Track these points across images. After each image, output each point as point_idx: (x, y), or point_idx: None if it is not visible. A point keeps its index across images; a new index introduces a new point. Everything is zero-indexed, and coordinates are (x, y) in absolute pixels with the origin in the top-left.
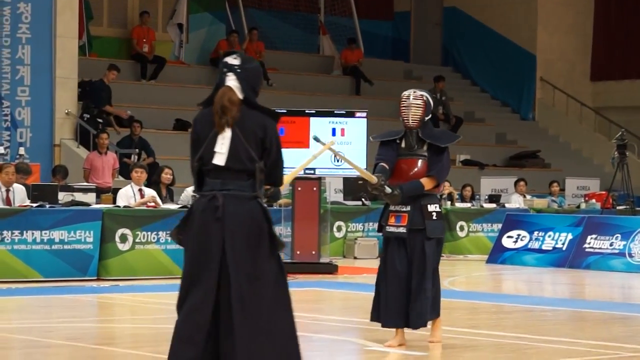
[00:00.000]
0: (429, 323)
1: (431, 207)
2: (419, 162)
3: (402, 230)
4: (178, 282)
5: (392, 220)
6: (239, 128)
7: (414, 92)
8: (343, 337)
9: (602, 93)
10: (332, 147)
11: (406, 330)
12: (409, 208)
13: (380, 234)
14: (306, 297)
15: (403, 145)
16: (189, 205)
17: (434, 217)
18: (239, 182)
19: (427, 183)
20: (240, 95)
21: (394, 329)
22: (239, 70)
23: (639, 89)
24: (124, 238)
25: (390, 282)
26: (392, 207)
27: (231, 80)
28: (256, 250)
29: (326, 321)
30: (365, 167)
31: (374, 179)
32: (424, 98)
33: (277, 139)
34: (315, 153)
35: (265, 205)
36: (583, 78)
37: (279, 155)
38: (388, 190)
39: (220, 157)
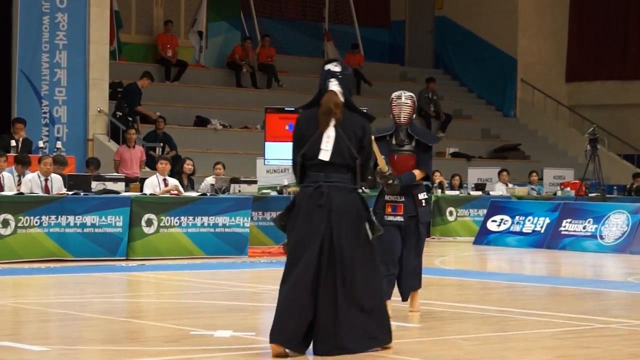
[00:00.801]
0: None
1: (421, 196)
2: (409, 157)
3: (400, 218)
4: (197, 261)
5: (389, 210)
6: (341, 128)
7: (404, 92)
8: None
9: (576, 93)
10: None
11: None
12: (403, 198)
13: None
14: None
15: (394, 141)
16: (292, 196)
17: (423, 204)
18: (341, 175)
19: (418, 175)
20: (341, 99)
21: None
22: (340, 77)
23: (609, 89)
24: (149, 222)
25: (390, 264)
26: (387, 198)
27: (334, 85)
28: (357, 235)
29: None
30: None
31: (386, 167)
32: (413, 98)
33: (370, 139)
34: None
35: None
36: (559, 79)
37: (370, 153)
38: (394, 180)
39: (325, 154)
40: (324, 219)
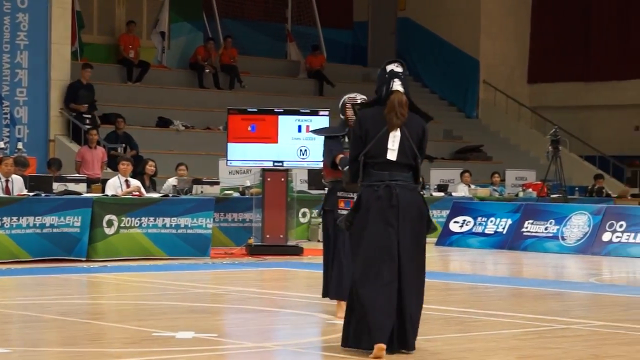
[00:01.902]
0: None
1: None
2: None
3: None
4: (159, 262)
5: (341, 205)
6: (406, 128)
7: (358, 95)
8: (307, 312)
9: (537, 94)
10: None
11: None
12: (354, 195)
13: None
14: (274, 276)
15: (346, 140)
16: (355, 196)
17: None
18: (404, 174)
19: None
20: (406, 99)
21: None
22: (402, 77)
23: (571, 90)
24: (110, 223)
25: (342, 259)
26: (339, 194)
27: (398, 86)
28: (420, 232)
29: (292, 297)
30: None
31: None
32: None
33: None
34: None
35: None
36: (521, 81)
37: (424, 153)
38: None
39: (392, 153)
40: (396, 218)
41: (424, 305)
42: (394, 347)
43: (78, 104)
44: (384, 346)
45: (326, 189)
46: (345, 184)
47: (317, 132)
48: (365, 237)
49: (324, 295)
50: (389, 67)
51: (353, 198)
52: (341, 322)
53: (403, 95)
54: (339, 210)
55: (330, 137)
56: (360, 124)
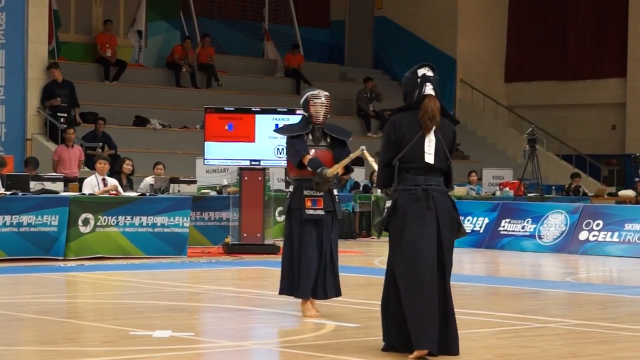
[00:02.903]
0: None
1: (335, 192)
2: (326, 153)
3: (321, 212)
4: (136, 261)
5: (309, 204)
6: (440, 132)
7: (322, 92)
8: (284, 310)
9: (514, 93)
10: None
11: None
12: (322, 193)
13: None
14: (251, 274)
15: (310, 138)
16: (389, 200)
17: (337, 200)
18: (437, 178)
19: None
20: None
21: (302, 300)
22: (433, 81)
23: (547, 89)
24: (86, 222)
25: (310, 258)
26: (306, 192)
27: (431, 90)
28: (454, 236)
29: (269, 296)
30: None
31: (334, 173)
32: (330, 98)
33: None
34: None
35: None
36: (498, 80)
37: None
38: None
39: (430, 157)
40: (434, 221)
41: None
42: (438, 352)
43: (44, 103)
44: (424, 352)
45: (291, 187)
46: (379, 189)
47: (280, 131)
48: (404, 241)
49: (286, 293)
50: (421, 71)
51: (321, 197)
52: (309, 320)
53: (436, 99)
54: (306, 210)
55: (294, 136)
56: (395, 128)
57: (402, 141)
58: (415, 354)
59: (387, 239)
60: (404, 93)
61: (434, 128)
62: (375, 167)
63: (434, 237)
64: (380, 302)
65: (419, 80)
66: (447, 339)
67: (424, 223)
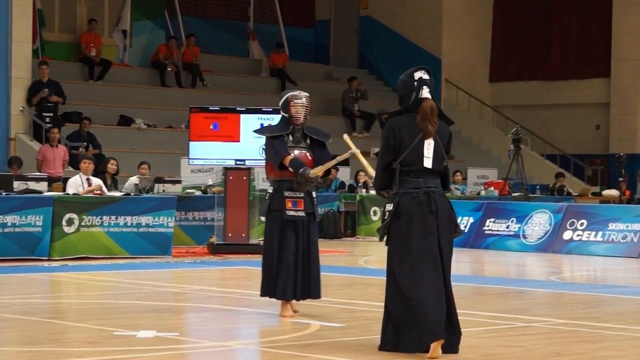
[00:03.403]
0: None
1: (314, 194)
2: (306, 154)
3: (302, 213)
4: (121, 261)
5: (289, 205)
6: (437, 135)
7: (302, 93)
8: (268, 310)
9: (499, 93)
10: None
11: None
12: (302, 194)
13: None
14: (236, 274)
15: (291, 139)
16: (391, 202)
17: (316, 202)
18: (436, 180)
19: (321, 173)
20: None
21: (279, 300)
22: (429, 84)
23: (531, 89)
24: (70, 222)
25: (289, 260)
26: (287, 194)
27: (427, 93)
28: (452, 238)
29: (254, 296)
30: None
31: (318, 174)
32: (310, 99)
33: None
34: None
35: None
36: (483, 80)
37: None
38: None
39: (428, 161)
40: (436, 224)
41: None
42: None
43: (41, 102)
44: (442, 341)
45: (270, 188)
46: (377, 191)
47: (260, 131)
48: (410, 244)
49: (267, 295)
50: (417, 75)
51: (301, 198)
52: (293, 320)
53: (434, 102)
54: (286, 211)
55: (275, 137)
56: (394, 132)
57: (401, 144)
58: (435, 345)
59: (372, 238)
60: (400, 96)
61: (434, 131)
62: (370, 171)
63: (436, 239)
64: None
65: (415, 83)
66: (455, 342)
67: (427, 226)
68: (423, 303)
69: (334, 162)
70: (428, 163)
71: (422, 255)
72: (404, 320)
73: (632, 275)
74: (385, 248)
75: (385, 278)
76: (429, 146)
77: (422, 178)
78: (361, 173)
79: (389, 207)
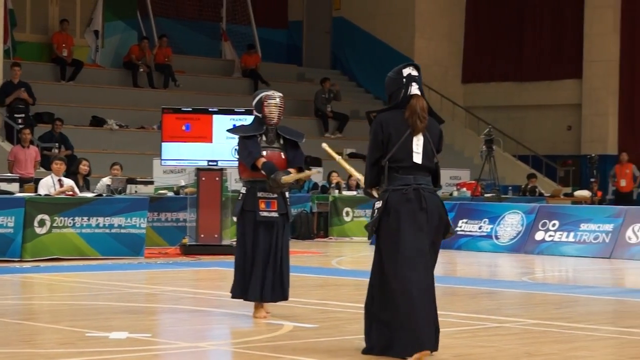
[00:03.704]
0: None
1: (287, 194)
2: (278, 154)
3: (275, 214)
4: (93, 262)
5: (262, 206)
6: (427, 131)
7: (276, 93)
8: (241, 311)
9: (471, 94)
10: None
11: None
12: (275, 195)
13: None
14: (209, 275)
15: (264, 139)
16: (380, 200)
17: (289, 203)
18: (426, 177)
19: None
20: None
21: (252, 303)
22: (418, 81)
23: (504, 90)
24: (42, 223)
25: (262, 261)
26: (260, 194)
27: (417, 89)
28: (439, 237)
29: (226, 297)
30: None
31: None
32: (283, 99)
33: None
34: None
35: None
36: (455, 80)
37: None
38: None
39: (418, 157)
40: (426, 221)
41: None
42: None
43: (13, 103)
44: (428, 352)
45: (243, 188)
46: (366, 187)
47: (233, 131)
48: (400, 241)
49: (239, 297)
50: (406, 71)
51: (275, 199)
52: (266, 321)
53: (423, 99)
54: (260, 212)
55: (248, 137)
56: (382, 127)
57: (389, 140)
58: (417, 356)
59: (345, 239)
60: (389, 93)
61: (423, 128)
62: (354, 173)
63: (426, 237)
64: (364, 304)
65: (404, 80)
66: (436, 340)
67: (417, 223)
68: (413, 310)
69: (304, 175)
70: (418, 159)
71: (412, 253)
72: (391, 323)
73: (603, 276)
74: (356, 249)
75: (368, 280)
76: (418, 142)
77: (411, 175)
78: (334, 174)
79: (378, 204)
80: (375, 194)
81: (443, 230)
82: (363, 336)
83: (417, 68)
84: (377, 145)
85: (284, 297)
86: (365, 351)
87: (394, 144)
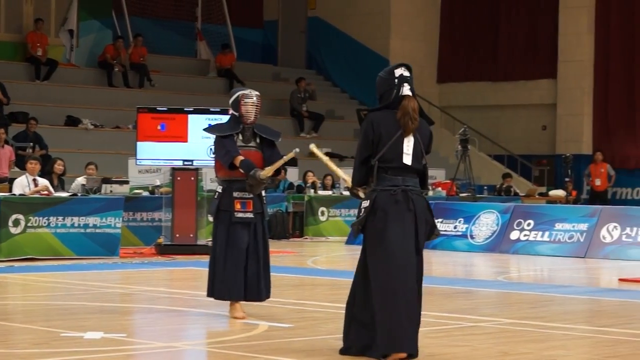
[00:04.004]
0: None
1: (263, 193)
2: (255, 153)
3: (250, 215)
4: (67, 262)
5: (238, 206)
6: (418, 132)
7: (253, 92)
8: (216, 311)
9: (447, 94)
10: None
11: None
12: (251, 195)
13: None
14: (184, 275)
15: (240, 138)
16: (367, 199)
17: (265, 202)
18: (414, 179)
19: (271, 172)
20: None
21: (228, 301)
22: (410, 81)
23: (479, 90)
24: (16, 222)
25: (240, 261)
26: (236, 194)
27: (408, 90)
28: (425, 237)
29: (202, 297)
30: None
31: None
32: (260, 98)
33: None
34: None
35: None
36: (430, 80)
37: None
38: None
39: (408, 158)
40: (413, 223)
41: (343, 306)
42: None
43: None
44: (404, 355)
45: (219, 187)
46: (349, 189)
47: (209, 130)
48: (386, 241)
49: (215, 295)
50: (398, 72)
51: (250, 199)
52: (241, 321)
53: (415, 100)
54: (235, 213)
55: (225, 136)
56: (372, 127)
57: (379, 140)
58: (394, 356)
59: (320, 238)
60: (380, 93)
61: (414, 129)
62: (340, 174)
63: (412, 238)
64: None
65: (396, 80)
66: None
67: (404, 224)
68: (396, 308)
69: (282, 161)
70: (408, 160)
71: (398, 253)
72: (370, 324)
73: (578, 275)
74: (332, 248)
75: (352, 279)
76: (408, 143)
77: (400, 176)
78: (309, 174)
79: (365, 203)
80: (361, 193)
81: (428, 232)
82: (339, 336)
83: (409, 69)
84: (368, 144)
85: (264, 295)
86: (342, 351)
87: (384, 144)
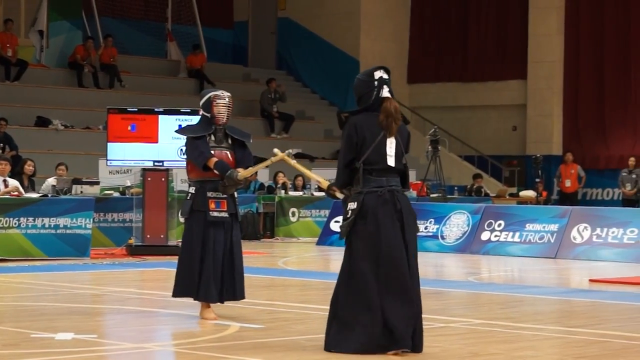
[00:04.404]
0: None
1: (236, 194)
2: (228, 154)
3: (225, 214)
4: (38, 263)
5: (212, 206)
6: (398, 134)
7: (224, 92)
8: (187, 312)
9: (417, 94)
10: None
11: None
12: (225, 195)
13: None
14: (155, 276)
15: (213, 139)
16: (355, 201)
17: (237, 203)
18: (396, 179)
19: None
20: None
21: (199, 303)
22: (389, 83)
23: (449, 90)
24: None
25: (214, 261)
26: (210, 194)
27: (388, 92)
28: (415, 234)
29: (173, 298)
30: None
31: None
32: (232, 99)
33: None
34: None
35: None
36: (401, 81)
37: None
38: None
39: (391, 159)
40: (402, 222)
41: (314, 306)
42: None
43: None
44: (401, 350)
45: (192, 188)
46: (325, 190)
47: (181, 131)
48: (381, 242)
49: (186, 295)
50: (377, 74)
51: (224, 199)
52: (213, 322)
53: (395, 101)
54: (210, 212)
55: (197, 137)
56: (356, 130)
57: (363, 143)
58: (393, 354)
59: (291, 239)
60: (359, 95)
61: (396, 130)
62: (314, 176)
63: (402, 238)
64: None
65: (375, 82)
66: (419, 339)
67: (394, 224)
68: (393, 306)
69: (262, 165)
70: (391, 161)
71: (394, 251)
72: (351, 322)
73: (548, 276)
74: (303, 249)
75: (336, 281)
76: (391, 145)
77: (384, 177)
78: (280, 174)
79: (353, 205)
80: (338, 194)
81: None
82: (310, 336)
83: (387, 71)
84: (351, 147)
85: (238, 296)
86: (325, 347)
87: (368, 147)
